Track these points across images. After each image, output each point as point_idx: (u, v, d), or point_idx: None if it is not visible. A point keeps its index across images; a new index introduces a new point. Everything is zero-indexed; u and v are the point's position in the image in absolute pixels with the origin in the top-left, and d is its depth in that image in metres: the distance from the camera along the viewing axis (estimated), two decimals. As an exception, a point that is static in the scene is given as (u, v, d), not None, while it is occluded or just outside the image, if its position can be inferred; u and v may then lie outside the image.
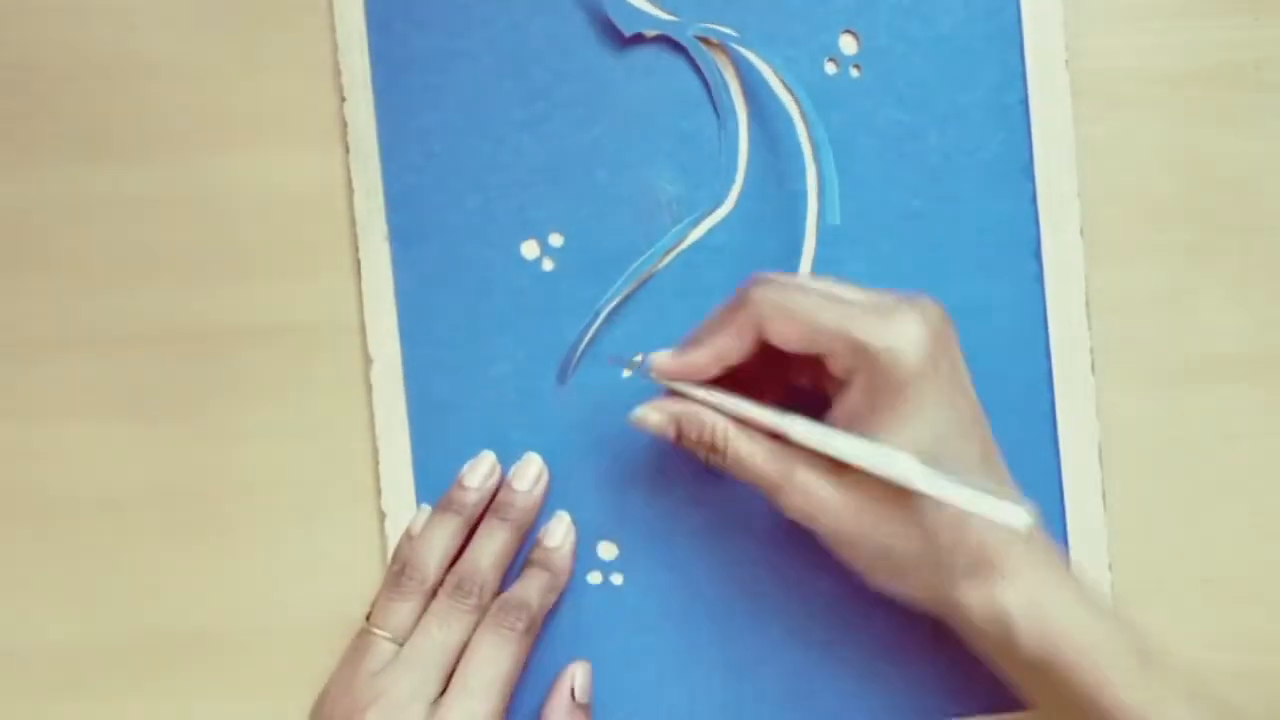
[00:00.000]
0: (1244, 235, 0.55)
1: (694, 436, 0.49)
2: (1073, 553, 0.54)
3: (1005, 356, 0.54)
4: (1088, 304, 0.54)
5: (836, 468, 0.46)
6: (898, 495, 0.45)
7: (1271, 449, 0.55)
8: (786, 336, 0.46)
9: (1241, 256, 0.55)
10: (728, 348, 0.48)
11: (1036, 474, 0.54)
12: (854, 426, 0.46)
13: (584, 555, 0.55)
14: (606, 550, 0.55)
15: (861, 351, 0.45)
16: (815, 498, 0.47)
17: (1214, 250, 0.55)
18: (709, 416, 0.48)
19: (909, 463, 0.44)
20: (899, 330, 0.45)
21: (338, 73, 0.55)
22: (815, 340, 0.46)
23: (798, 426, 0.46)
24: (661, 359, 0.49)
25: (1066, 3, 0.54)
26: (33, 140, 0.55)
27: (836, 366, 0.46)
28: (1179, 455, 0.55)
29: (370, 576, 0.55)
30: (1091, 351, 0.54)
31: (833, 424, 0.46)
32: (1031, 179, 0.54)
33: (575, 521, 0.54)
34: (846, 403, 0.46)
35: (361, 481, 0.55)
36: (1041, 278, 0.54)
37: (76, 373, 0.55)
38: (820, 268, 0.54)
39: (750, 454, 0.48)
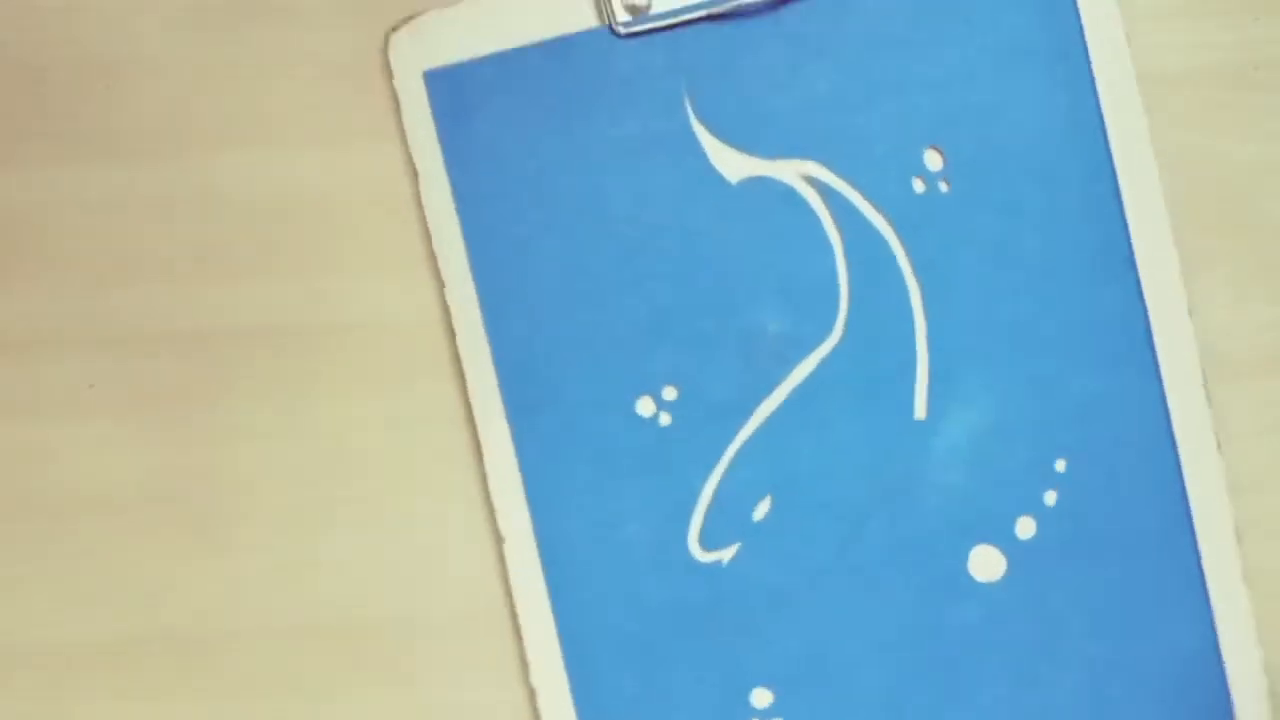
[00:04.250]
0: (1244, 235, 0.55)
1: None
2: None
3: (1131, 449, 0.54)
4: (1205, 385, 0.53)
5: None
6: None
7: (1271, 449, 0.55)
8: None
9: (1241, 256, 0.55)
10: None
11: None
12: None
13: (737, 704, 0.54)
14: (761, 697, 0.54)
15: None
16: None
17: (1214, 250, 0.55)
18: None
19: None
20: None
21: (429, 243, 0.55)
22: None
23: None
24: None
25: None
26: (38, 139, 0.55)
27: None
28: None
29: (370, 577, 0.55)
30: (1215, 434, 0.54)
31: None
32: (1134, 267, 0.53)
33: (724, 670, 0.54)
34: None
35: (362, 482, 0.55)
36: (1157, 367, 0.53)
37: (79, 372, 0.55)
38: (936, 385, 0.53)
39: None
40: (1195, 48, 0.55)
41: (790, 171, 0.54)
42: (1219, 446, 0.54)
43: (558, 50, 0.54)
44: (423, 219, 0.55)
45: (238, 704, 0.55)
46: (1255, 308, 0.55)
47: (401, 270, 0.55)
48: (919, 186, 0.54)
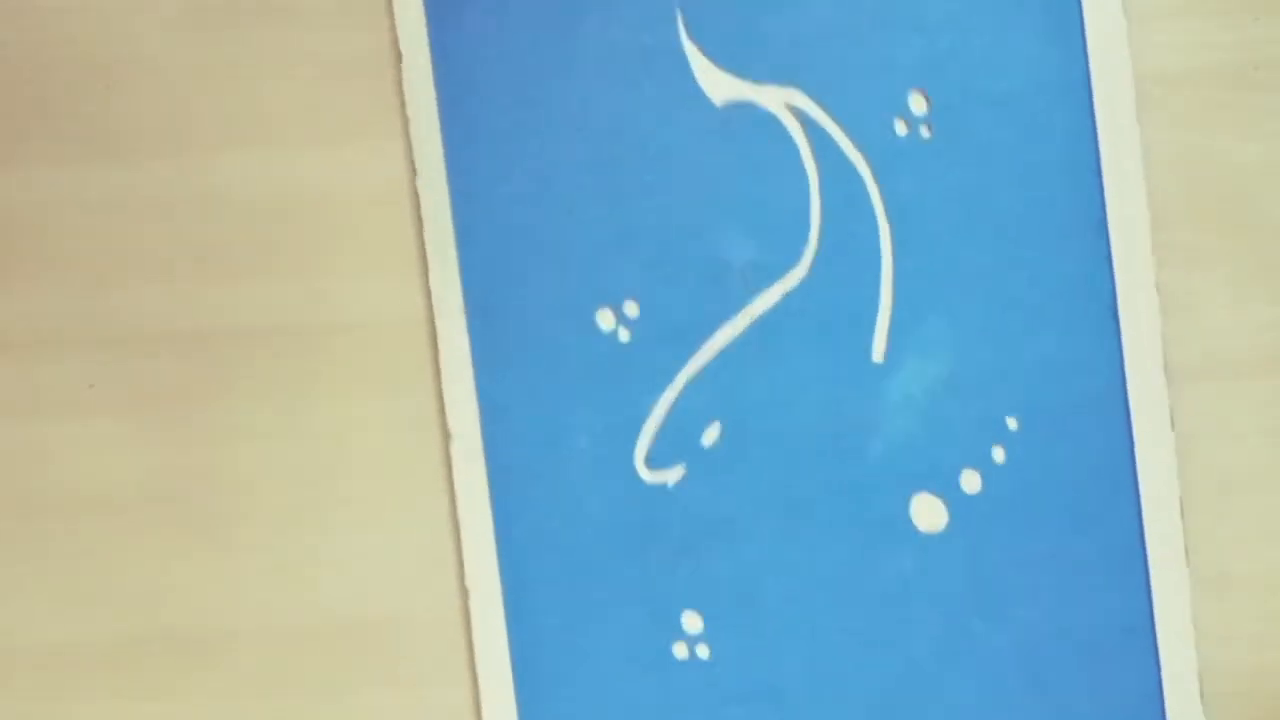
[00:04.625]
0: (1244, 235, 0.55)
1: None
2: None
3: (1084, 414, 0.54)
4: (1165, 360, 0.54)
5: None
6: None
7: (1271, 448, 0.55)
8: None
9: (1241, 256, 0.55)
10: None
11: (1115, 528, 0.54)
12: None
13: (667, 625, 0.54)
14: (691, 622, 0.54)
15: None
16: None
17: (1214, 250, 0.55)
18: None
19: None
20: None
21: (406, 130, 0.55)
22: None
23: None
24: None
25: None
26: (38, 139, 0.55)
27: None
28: (1179, 454, 0.55)
29: (370, 578, 0.55)
30: (1170, 408, 0.54)
31: None
32: (1105, 235, 0.53)
33: (658, 591, 0.55)
34: None
35: (361, 482, 0.55)
36: (1118, 333, 0.54)
37: (79, 372, 0.55)
38: (897, 330, 0.53)
39: None
40: (1195, 48, 0.55)
41: (775, 99, 0.54)
42: (1172, 423, 0.54)
43: (553, -50, 0.54)
44: (415, 219, 0.55)
45: (237, 703, 0.55)
46: (1255, 308, 0.55)
47: (401, 270, 0.55)
48: (901, 128, 0.54)
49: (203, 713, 0.55)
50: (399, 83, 0.55)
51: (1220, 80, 0.55)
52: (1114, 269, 0.54)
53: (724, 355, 0.54)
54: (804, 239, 0.54)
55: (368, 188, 0.55)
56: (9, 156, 0.55)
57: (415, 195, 0.55)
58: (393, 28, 0.55)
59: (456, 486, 0.54)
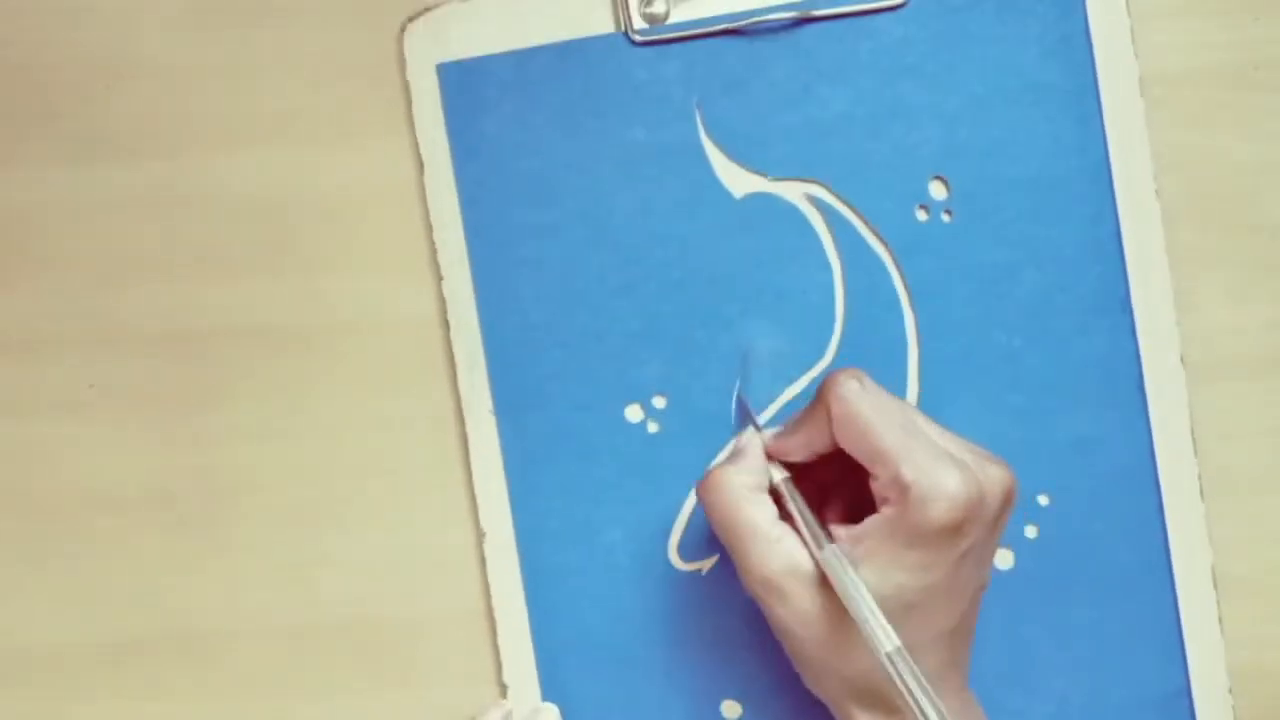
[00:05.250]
0: (1244, 235, 0.55)
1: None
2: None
3: (1115, 490, 0.54)
4: (1193, 433, 0.54)
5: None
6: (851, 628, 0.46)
7: (1271, 449, 0.55)
8: (846, 441, 0.47)
9: (1241, 256, 0.55)
10: (814, 438, 0.48)
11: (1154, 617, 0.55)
12: (864, 544, 0.46)
13: (707, 714, 0.54)
14: (730, 709, 0.54)
15: (896, 484, 0.45)
16: (801, 604, 0.47)
17: (1214, 250, 0.55)
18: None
19: (892, 644, 0.44)
20: (939, 481, 0.45)
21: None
22: (867, 456, 0.46)
23: (827, 554, 0.46)
24: (767, 436, 0.50)
25: (1151, 132, 0.54)
26: (38, 139, 0.55)
27: (876, 488, 0.46)
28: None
29: (369, 577, 0.55)
30: (1200, 479, 0.54)
31: (860, 535, 0.46)
32: (1129, 311, 0.54)
33: (696, 681, 0.55)
34: (871, 522, 0.46)
35: (362, 482, 0.55)
36: (1146, 410, 0.54)
37: (79, 372, 0.55)
38: (925, 411, 0.52)
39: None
40: (1195, 48, 0.55)
41: (795, 191, 0.54)
42: (1202, 496, 0.54)
43: (572, 53, 0.54)
44: (423, 219, 0.55)
45: (238, 704, 0.55)
46: (1255, 308, 0.55)
47: (401, 270, 0.55)
48: (921, 215, 0.54)
49: (203, 713, 0.55)
50: (402, 83, 0.55)
51: (1220, 80, 0.55)
52: (1139, 346, 0.54)
53: None
54: (829, 327, 0.54)
55: (369, 187, 0.55)
56: (9, 156, 0.55)
57: (419, 196, 0.55)
58: (400, 38, 0.55)
59: (490, 583, 0.55)
